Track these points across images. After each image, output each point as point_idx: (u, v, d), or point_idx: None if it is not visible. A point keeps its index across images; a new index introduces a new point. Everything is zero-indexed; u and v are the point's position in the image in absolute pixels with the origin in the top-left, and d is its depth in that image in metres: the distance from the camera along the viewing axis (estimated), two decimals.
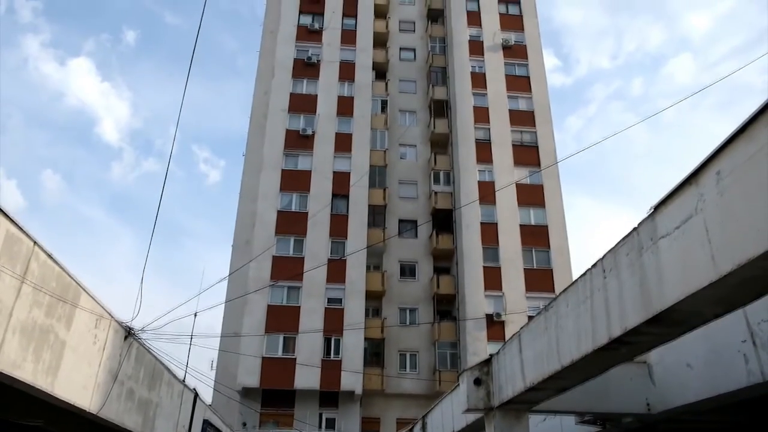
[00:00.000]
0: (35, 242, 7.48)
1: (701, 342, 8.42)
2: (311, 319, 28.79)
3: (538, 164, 33.48)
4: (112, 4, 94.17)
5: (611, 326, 5.87)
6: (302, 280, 29.17)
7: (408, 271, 32.61)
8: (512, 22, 38.60)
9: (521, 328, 8.88)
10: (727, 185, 4.11)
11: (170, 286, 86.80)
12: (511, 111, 35.39)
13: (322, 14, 37.61)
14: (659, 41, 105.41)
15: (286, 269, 29.37)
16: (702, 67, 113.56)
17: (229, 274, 28.66)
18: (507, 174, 32.95)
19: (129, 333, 11.08)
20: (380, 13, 39.20)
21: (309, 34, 36.86)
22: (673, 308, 4.88)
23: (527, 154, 34.04)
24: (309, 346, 28.15)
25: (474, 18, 38.43)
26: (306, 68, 35.71)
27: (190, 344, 15.79)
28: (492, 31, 37.84)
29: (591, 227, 77.92)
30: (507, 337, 25.18)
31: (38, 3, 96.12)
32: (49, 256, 7.91)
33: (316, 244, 30.65)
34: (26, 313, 7.39)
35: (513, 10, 39.18)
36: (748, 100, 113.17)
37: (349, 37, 37.17)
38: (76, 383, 9.00)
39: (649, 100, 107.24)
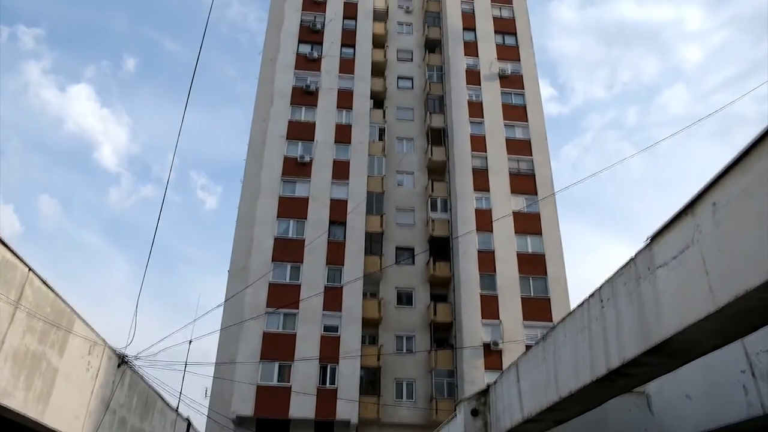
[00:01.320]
0: (30, 268, 7.45)
1: (700, 373, 8.37)
2: (307, 346, 28.54)
3: (535, 192, 33.60)
4: (113, 32, 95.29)
5: (609, 357, 5.83)
6: (298, 307, 29.00)
7: (405, 298, 32.46)
8: (508, 52, 39.11)
9: (519, 357, 8.82)
10: (723, 216, 4.14)
11: (165, 312, 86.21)
12: (507, 139, 35.63)
13: (321, 43, 38.08)
14: (653, 72, 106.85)
15: (283, 296, 29.21)
16: (696, 97, 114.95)
17: (225, 301, 28.49)
18: (504, 202, 33.04)
19: (123, 360, 10.97)
20: (378, 42, 39.71)
21: (308, 63, 37.27)
22: (672, 339, 4.87)
23: (524, 182, 34.19)
24: (304, 374, 27.85)
25: (471, 48, 38.94)
26: (304, 96, 36.02)
27: (185, 372, 15.63)
28: (489, 61, 38.31)
29: (588, 255, 77.92)
30: (504, 366, 24.98)
31: (40, 30, 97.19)
32: (44, 282, 7.87)
33: (313, 271, 30.55)
34: (19, 340, 7.32)
35: (509, 40, 39.73)
36: (741, 130, 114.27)
37: (347, 65, 37.58)
38: (68, 412, 8.87)
39: (644, 129, 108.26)
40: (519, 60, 38.77)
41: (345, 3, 40.09)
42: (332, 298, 29.72)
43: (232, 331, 27.41)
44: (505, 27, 40.19)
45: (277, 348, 28.42)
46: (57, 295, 8.23)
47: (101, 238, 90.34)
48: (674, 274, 4.72)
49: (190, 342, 13.83)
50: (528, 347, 8.17)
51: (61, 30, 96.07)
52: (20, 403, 7.40)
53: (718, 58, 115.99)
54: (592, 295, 6.39)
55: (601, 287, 6.16)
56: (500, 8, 41.04)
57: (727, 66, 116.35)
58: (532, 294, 30.97)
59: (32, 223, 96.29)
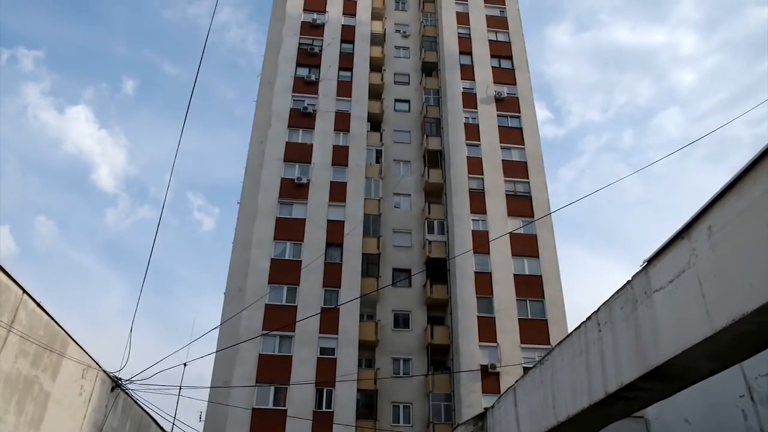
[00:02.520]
0: (24, 290, 7.40)
1: (699, 397, 8.30)
2: (303, 369, 28.29)
3: (532, 214, 33.66)
4: (113, 54, 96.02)
5: (607, 381, 5.79)
6: (295, 330, 28.81)
7: (402, 320, 32.29)
8: (504, 75, 39.47)
9: (516, 381, 8.75)
10: (718, 240, 4.15)
11: (161, 334, 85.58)
12: (504, 162, 35.78)
13: (318, 66, 38.40)
14: (648, 95, 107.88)
15: (279, 318, 29.04)
16: (690, 120, 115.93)
17: (221, 323, 28.30)
18: (501, 224, 33.07)
19: (116, 384, 10.84)
20: (376, 66, 40.07)
21: (305, 85, 37.54)
22: (669, 363, 4.83)
23: (521, 204, 34.26)
24: (300, 398, 27.56)
25: (467, 71, 39.29)
26: (302, 118, 36.22)
27: (179, 395, 15.44)
28: (485, 84, 38.64)
29: (585, 277, 77.80)
30: (502, 389, 24.76)
31: (40, 52, 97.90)
32: (38, 304, 7.81)
33: (310, 293, 30.42)
34: (11, 364, 7.24)
35: (505, 64, 40.12)
36: (735, 153, 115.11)
37: (344, 88, 37.86)
38: None
39: (639, 151, 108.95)
40: (515, 83, 39.11)
41: (343, 27, 40.53)
42: (329, 321, 29.55)
43: (228, 353, 27.17)
44: (501, 51, 40.62)
45: (273, 371, 28.17)
46: (51, 317, 8.16)
47: (97, 259, 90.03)
48: (671, 297, 4.70)
49: (185, 365, 13.69)
50: (526, 370, 8.10)
51: (61, 52, 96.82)
52: (11, 429, 7.29)
53: (712, 81, 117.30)
54: (589, 319, 6.36)
55: (598, 310, 6.14)
56: (496, 33, 41.51)
57: (721, 89, 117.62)
58: (529, 316, 30.84)
59: (28, 244, 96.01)
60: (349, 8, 41.51)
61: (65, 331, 8.65)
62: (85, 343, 9.45)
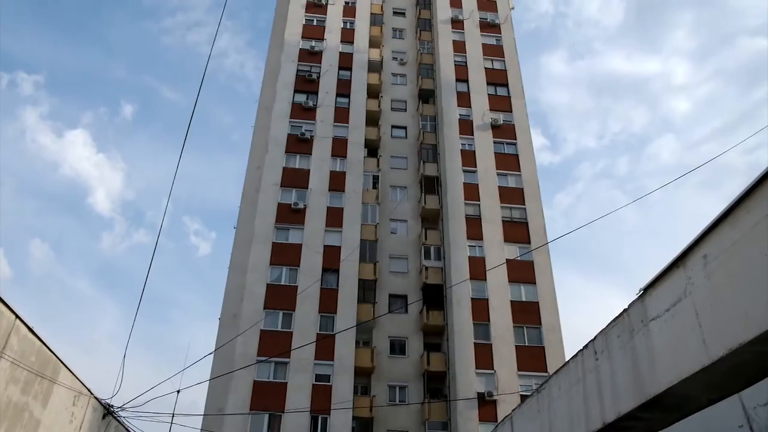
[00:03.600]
0: (17, 315, 7.33)
1: (697, 427, 8.22)
2: (298, 396, 27.96)
3: (528, 240, 33.66)
4: (112, 79, 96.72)
5: (605, 411, 5.73)
6: (290, 356, 28.54)
7: (398, 347, 32.04)
8: (501, 102, 39.83)
9: (513, 410, 8.66)
10: (714, 269, 4.15)
11: (154, 359, 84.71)
12: (500, 188, 35.90)
13: (316, 93, 38.72)
14: (643, 122, 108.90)
15: (274, 344, 28.78)
16: (685, 147, 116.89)
17: (216, 350, 28.01)
18: (497, 250, 33.04)
19: (108, 411, 10.69)
20: (373, 92, 40.42)
21: (303, 111, 37.79)
22: (667, 392, 4.79)
23: (517, 231, 34.28)
24: (295, 426, 27.18)
25: (464, 98, 39.65)
26: (299, 144, 36.38)
27: (171, 423, 15.22)
28: (481, 111, 38.96)
29: (582, 304, 77.58)
30: (499, 417, 24.49)
31: (40, 77, 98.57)
32: (30, 330, 7.73)
33: (305, 319, 30.22)
34: (1, 390, 7.14)
35: (501, 91, 40.51)
36: (730, 180, 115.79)
37: (342, 114, 38.13)
38: None
39: (635, 178, 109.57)
40: (511, 110, 39.44)
41: (341, 54, 40.98)
42: (324, 347, 29.30)
43: (222, 380, 26.85)
44: (497, 78, 41.05)
45: (268, 398, 27.82)
46: (43, 343, 8.07)
47: (91, 283, 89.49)
48: (667, 326, 4.69)
49: (178, 392, 13.51)
50: (523, 398, 8.02)
51: (61, 77, 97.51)
52: None
53: (706, 109, 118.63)
54: (585, 347, 6.32)
55: (594, 339, 6.11)
56: (492, 61, 41.99)
57: (715, 117, 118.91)
58: (526, 343, 30.64)
59: (22, 268, 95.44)
60: (347, 36, 42.03)
61: (57, 357, 8.56)
62: (77, 369, 9.34)
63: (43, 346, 8.12)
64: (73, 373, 9.17)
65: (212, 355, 27.75)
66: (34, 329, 7.80)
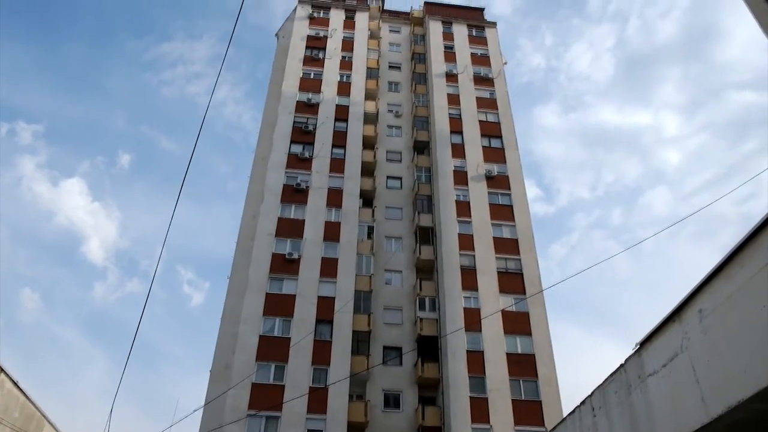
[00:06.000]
0: (2, 369, 7.16)
1: None
2: None
3: (524, 291, 33.48)
4: (111, 129, 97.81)
5: None
6: (282, 410, 27.88)
7: (392, 401, 31.37)
8: (495, 154, 40.32)
9: None
10: (710, 324, 4.10)
11: (143, 412, 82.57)
12: (495, 239, 35.94)
13: (312, 144, 39.14)
14: (635, 174, 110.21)
15: (266, 397, 28.14)
16: (678, 198, 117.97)
17: (206, 404, 27.37)
18: (492, 301, 32.81)
19: None
20: (368, 143, 40.90)
21: (299, 162, 38.11)
22: None
23: (512, 282, 34.13)
24: None
25: (458, 150, 40.15)
26: (295, 194, 36.53)
27: None
28: (476, 163, 39.38)
29: (579, 356, 76.63)
30: None
31: (39, 126, 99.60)
32: (15, 384, 7.53)
33: (298, 372, 29.65)
34: None
35: (495, 143, 41.08)
36: (723, 230, 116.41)
37: (337, 165, 38.45)
38: None
39: (629, 229, 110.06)
40: (505, 162, 39.89)
41: (337, 106, 41.64)
42: (317, 400, 28.66)
43: None
44: (491, 130, 41.69)
45: None
46: (27, 398, 7.86)
47: (81, 333, 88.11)
48: (665, 382, 4.60)
49: None
50: None
51: (60, 126, 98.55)
52: None
53: (697, 161, 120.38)
54: (583, 403, 6.19)
55: (592, 395, 5.99)
56: (486, 113, 42.74)
57: (706, 169, 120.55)
58: (523, 397, 30.07)
59: (11, 317, 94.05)
60: (344, 89, 42.83)
61: (41, 413, 8.32)
62: (61, 424, 9.08)
63: (27, 401, 7.90)
64: (56, 429, 8.91)
65: (202, 409, 27.10)
66: (19, 383, 7.61)
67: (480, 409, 29.31)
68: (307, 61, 44.04)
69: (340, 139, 39.86)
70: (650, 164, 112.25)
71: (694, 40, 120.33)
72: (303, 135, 39.56)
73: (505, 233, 36.39)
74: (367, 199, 38.55)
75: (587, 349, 78.21)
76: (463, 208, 37.07)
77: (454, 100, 43.16)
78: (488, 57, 46.59)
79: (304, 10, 47.52)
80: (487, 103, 43.40)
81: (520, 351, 31.50)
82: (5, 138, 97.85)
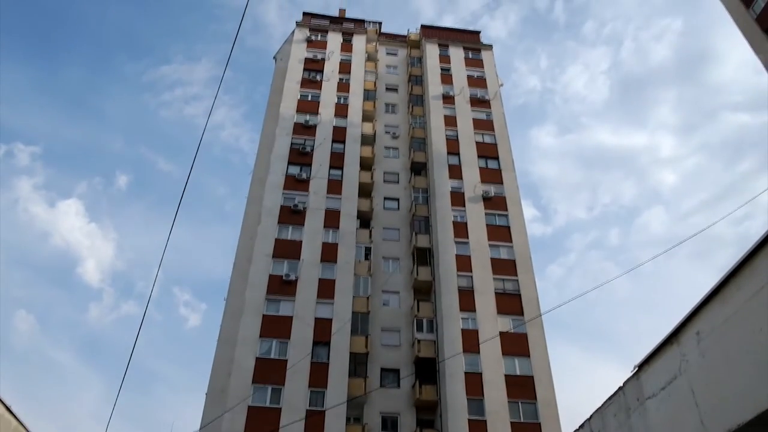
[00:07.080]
0: None
1: None
2: None
3: (521, 312, 33.34)
4: (109, 150, 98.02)
5: None
6: None
7: (390, 424, 31.01)
8: (491, 175, 40.45)
9: None
10: (708, 346, 4.09)
11: None
12: (492, 260, 35.89)
13: (309, 165, 39.24)
14: (632, 194, 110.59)
15: (262, 421, 27.82)
16: (674, 219, 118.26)
17: (202, 427, 27.06)
18: (490, 322, 32.65)
19: None
20: (366, 165, 41.02)
21: (296, 183, 38.17)
22: None
23: (510, 303, 34.00)
24: None
25: (455, 171, 40.28)
26: (292, 215, 36.51)
27: None
28: (473, 184, 39.49)
29: (578, 377, 76.11)
30: None
31: (37, 148, 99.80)
32: (8, 408, 7.45)
33: (295, 394, 29.35)
34: None
35: (492, 164, 41.25)
36: (720, 250, 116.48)
37: (335, 186, 38.50)
38: None
39: (626, 249, 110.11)
40: (502, 182, 40.01)
41: (334, 128, 41.86)
42: (314, 424, 28.33)
43: None
44: (488, 152, 41.90)
45: None
46: (20, 422, 7.76)
47: (75, 356, 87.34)
48: (664, 405, 4.57)
49: None
50: None
51: (58, 148, 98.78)
52: None
53: (693, 182, 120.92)
54: (582, 426, 6.14)
55: (591, 418, 5.94)
56: (482, 135, 42.99)
57: (702, 189, 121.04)
58: (521, 419, 29.77)
59: (5, 340, 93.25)
60: (341, 111, 43.10)
61: None
62: None
63: (21, 426, 7.80)
64: None
65: None
66: (12, 408, 7.52)
67: None
68: (305, 83, 44.39)
69: (337, 161, 39.98)
70: (646, 185, 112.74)
71: (689, 62, 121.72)
72: (300, 156, 39.69)
73: (503, 254, 36.36)
74: (365, 220, 38.54)
75: (586, 369, 77.75)
76: (461, 229, 37.08)
77: (450, 121, 43.43)
78: (484, 79, 47.02)
79: (302, 33, 48.01)
80: (484, 125, 43.67)
81: (518, 373, 31.28)
82: (3, 159, 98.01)
